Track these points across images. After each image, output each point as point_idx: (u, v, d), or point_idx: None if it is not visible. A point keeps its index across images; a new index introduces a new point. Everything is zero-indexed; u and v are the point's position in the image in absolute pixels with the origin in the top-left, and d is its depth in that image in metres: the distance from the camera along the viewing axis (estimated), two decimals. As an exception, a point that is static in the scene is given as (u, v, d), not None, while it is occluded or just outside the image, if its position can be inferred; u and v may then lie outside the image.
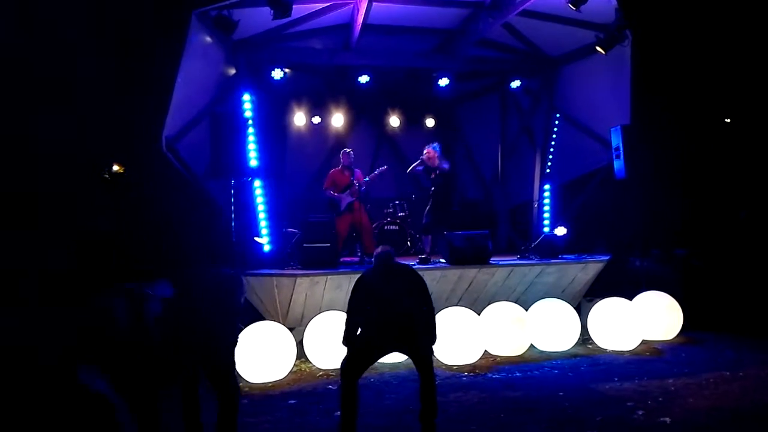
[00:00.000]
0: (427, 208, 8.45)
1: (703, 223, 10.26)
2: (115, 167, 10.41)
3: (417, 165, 8.42)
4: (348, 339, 4.55)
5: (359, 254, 8.96)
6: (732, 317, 8.11)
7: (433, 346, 4.61)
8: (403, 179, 11.73)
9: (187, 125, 8.06)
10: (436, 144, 8.45)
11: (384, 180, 8.90)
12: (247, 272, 7.07)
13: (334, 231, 8.08)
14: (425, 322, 4.58)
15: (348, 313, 4.61)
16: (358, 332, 4.56)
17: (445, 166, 8.30)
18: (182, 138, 7.97)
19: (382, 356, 4.81)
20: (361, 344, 4.52)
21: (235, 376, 4.50)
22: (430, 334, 4.60)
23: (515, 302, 7.48)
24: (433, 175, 8.29)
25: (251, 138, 7.99)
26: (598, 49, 8.17)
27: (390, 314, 4.47)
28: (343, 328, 4.60)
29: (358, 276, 4.83)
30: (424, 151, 8.37)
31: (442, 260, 8.03)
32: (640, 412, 5.04)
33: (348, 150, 8.77)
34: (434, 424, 4.39)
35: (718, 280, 8.74)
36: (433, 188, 8.31)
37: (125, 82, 8.30)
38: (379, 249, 4.84)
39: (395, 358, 6.52)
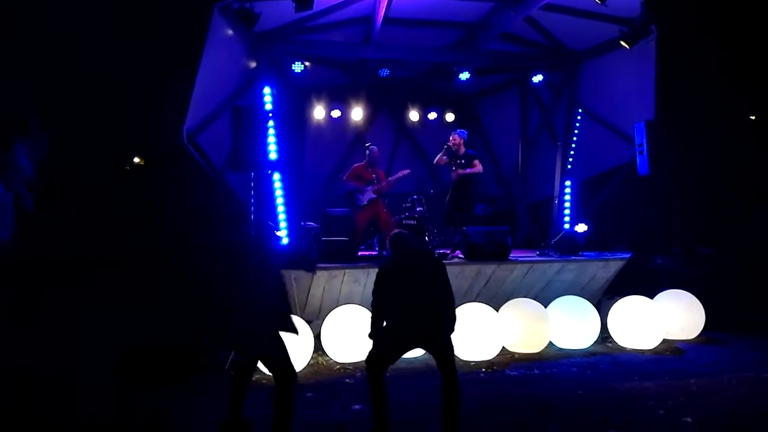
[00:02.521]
0: (448, 197, 8.47)
1: (726, 221, 10.09)
2: (136, 159, 10.55)
3: (443, 155, 8.51)
4: (374, 333, 4.49)
5: (377, 248, 8.95)
6: (755, 317, 7.98)
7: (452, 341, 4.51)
8: (422, 174, 11.71)
9: (207, 118, 8.11)
10: (463, 130, 8.61)
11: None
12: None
13: (353, 224, 8.07)
14: (447, 314, 4.47)
15: (372, 306, 4.53)
16: (384, 326, 4.46)
17: (472, 152, 8.53)
18: (203, 131, 8.01)
19: (407, 352, 4.67)
20: (386, 339, 4.44)
21: (282, 357, 4.28)
22: (451, 327, 4.47)
23: (534, 299, 7.42)
24: (456, 165, 8.36)
25: (271, 131, 8.00)
26: (623, 43, 8.04)
27: (411, 308, 4.35)
28: (366, 321, 4.54)
29: (376, 270, 4.76)
30: (450, 138, 8.47)
31: (461, 256, 7.97)
32: (661, 412, 4.97)
33: (374, 147, 8.69)
34: (458, 421, 4.31)
35: (741, 279, 8.59)
36: (455, 178, 8.33)
37: (147, 75, 8.37)
38: (393, 233, 4.75)
39: (412, 353, 6.48)
